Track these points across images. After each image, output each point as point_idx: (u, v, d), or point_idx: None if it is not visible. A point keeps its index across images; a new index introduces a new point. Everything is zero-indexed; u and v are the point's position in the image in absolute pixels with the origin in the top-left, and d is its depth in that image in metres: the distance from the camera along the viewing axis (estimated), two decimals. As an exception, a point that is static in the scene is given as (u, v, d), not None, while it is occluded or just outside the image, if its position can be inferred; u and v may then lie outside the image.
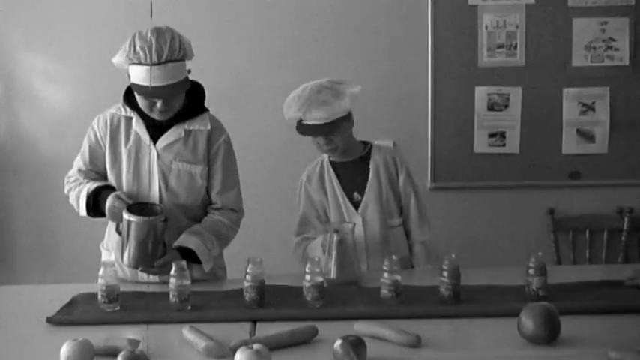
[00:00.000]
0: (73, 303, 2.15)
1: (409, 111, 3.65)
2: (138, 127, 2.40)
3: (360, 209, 2.63)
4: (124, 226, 2.23)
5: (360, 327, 1.85)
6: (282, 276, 2.31)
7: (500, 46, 3.61)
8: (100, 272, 2.07)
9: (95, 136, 2.44)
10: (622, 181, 3.66)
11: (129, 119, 2.41)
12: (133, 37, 2.27)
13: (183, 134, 2.40)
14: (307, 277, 2.07)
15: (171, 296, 2.06)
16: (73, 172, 2.49)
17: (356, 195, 2.66)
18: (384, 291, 2.08)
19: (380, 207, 2.63)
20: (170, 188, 2.38)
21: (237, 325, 1.95)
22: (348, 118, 2.61)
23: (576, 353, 1.72)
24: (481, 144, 3.65)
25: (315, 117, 2.53)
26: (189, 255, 2.30)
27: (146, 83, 2.24)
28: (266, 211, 3.56)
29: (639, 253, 3.69)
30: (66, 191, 2.48)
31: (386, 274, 2.08)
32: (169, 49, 2.24)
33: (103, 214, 2.35)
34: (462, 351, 1.78)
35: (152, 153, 2.38)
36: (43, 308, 2.09)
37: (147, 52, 2.22)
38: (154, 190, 2.37)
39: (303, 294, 2.07)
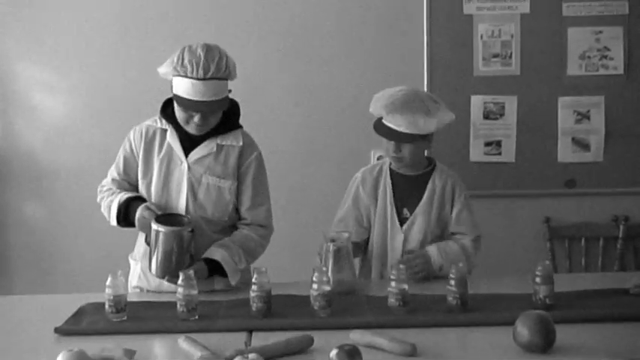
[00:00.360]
0: (80, 313, 2.14)
1: (405, 120, 3.65)
2: (171, 139, 2.40)
3: (404, 226, 2.56)
4: (152, 236, 2.24)
5: (356, 336, 1.85)
6: (290, 284, 2.33)
7: (496, 55, 3.63)
8: (108, 282, 2.07)
9: (130, 146, 2.45)
10: (618, 189, 3.68)
11: (164, 131, 2.42)
12: (182, 50, 2.29)
13: (215, 149, 2.40)
14: (314, 285, 2.07)
15: (178, 306, 2.05)
16: (106, 181, 2.50)
17: (405, 211, 2.58)
18: (392, 300, 2.08)
19: (424, 229, 2.55)
20: (198, 201, 2.38)
21: (232, 335, 1.95)
22: (426, 138, 2.53)
23: (572, 362, 1.73)
24: (477, 152, 3.67)
25: (396, 122, 2.46)
26: (216, 267, 2.31)
27: (188, 96, 2.26)
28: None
29: (635, 260, 3.70)
30: (98, 200, 2.49)
31: (393, 284, 2.08)
32: (216, 66, 2.26)
33: (132, 225, 2.35)
34: (456, 360, 1.78)
35: (183, 165, 2.38)
36: (50, 318, 2.08)
37: (194, 66, 2.24)
38: (182, 202, 2.37)
39: (311, 303, 2.07)
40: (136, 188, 2.45)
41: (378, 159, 3.66)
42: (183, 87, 2.26)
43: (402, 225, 2.56)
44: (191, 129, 2.36)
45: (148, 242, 2.31)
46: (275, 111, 3.67)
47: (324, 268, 2.10)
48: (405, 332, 1.91)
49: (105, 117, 3.62)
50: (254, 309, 2.07)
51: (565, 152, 3.67)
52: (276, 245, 2.58)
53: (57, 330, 1.99)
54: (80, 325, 2.04)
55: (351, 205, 2.63)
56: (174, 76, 2.29)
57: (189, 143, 2.40)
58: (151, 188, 2.40)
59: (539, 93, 3.63)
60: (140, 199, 2.38)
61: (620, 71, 3.62)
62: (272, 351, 1.76)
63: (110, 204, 2.41)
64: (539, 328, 1.76)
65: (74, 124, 3.66)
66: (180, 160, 2.39)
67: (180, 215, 2.33)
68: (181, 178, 2.38)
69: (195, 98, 2.25)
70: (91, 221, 3.74)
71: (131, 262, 2.55)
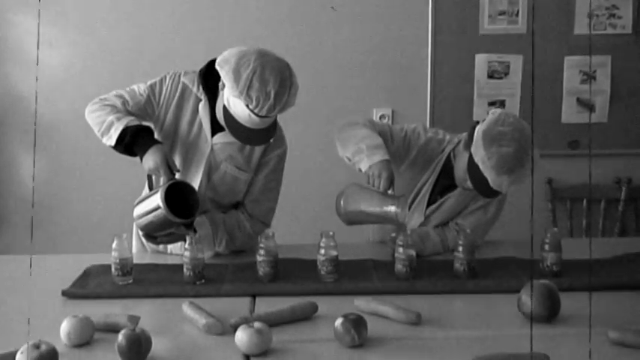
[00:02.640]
0: (86, 275, 2.13)
1: (409, 79, 3.61)
2: (203, 113, 2.24)
3: (428, 210, 2.40)
4: (152, 199, 2.13)
5: (361, 304, 1.85)
6: (296, 247, 2.31)
7: (502, 13, 3.55)
8: (114, 245, 2.05)
9: (160, 90, 2.28)
10: (621, 150, 3.65)
11: (197, 99, 2.26)
12: (253, 73, 2.05)
13: None
14: (322, 251, 2.05)
15: (185, 270, 2.04)
16: (110, 97, 2.27)
17: (438, 197, 2.40)
18: (399, 266, 2.07)
19: (444, 220, 2.40)
20: (211, 183, 2.30)
21: (237, 300, 1.95)
22: None
23: (576, 332, 1.72)
24: (480, 112, 3.62)
25: (500, 185, 2.15)
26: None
27: (244, 122, 2.09)
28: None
29: (637, 222, 3.70)
30: (88, 110, 2.26)
31: (400, 249, 2.06)
32: (283, 106, 2.09)
33: (130, 153, 2.19)
34: (460, 329, 1.78)
35: (207, 144, 2.27)
36: (55, 279, 2.08)
37: (261, 103, 2.05)
38: (197, 180, 2.27)
39: (318, 268, 2.06)
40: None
41: (380, 118, 3.63)
42: (241, 112, 2.08)
43: (427, 207, 2.41)
44: None
45: (150, 186, 2.25)
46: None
47: (332, 234, 2.06)
48: (411, 299, 1.91)
49: (102, 71, 3.57)
50: (260, 273, 2.06)
51: (569, 113, 3.63)
52: (280, 207, 2.55)
53: (64, 293, 1.99)
54: (87, 288, 2.03)
55: (397, 136, 2.38)
56: (234, 96, 2.07)
57: (218, 122, 2.23)
58: (175, 150, 2.28)
59: (545, 52, 3.57)
60: (151, 133, 2.21)
61: (629, 30, 3.56)
62: (277, 318, 1.76)
63: (114, 122, 2.17)
64: (544, 299, 1.76)
65: (72, 77, 3.60)
66: (206, 137, 2.26)
67: (192, 194, 2.17)
68: (202, 157, 2.28)
69: (248, 125, 2.09)
70: (91, 177, 3.72)
71: None
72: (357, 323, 1.64)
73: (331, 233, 2.08)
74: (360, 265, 2.20)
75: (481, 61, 3.58)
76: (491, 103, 3.61)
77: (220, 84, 2.15)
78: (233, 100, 2.09)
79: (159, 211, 2.09)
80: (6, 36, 3.60)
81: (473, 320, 1.84)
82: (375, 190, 2.18)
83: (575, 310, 1.81)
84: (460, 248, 2.07)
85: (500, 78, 3.60)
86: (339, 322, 1.65)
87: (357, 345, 1.63)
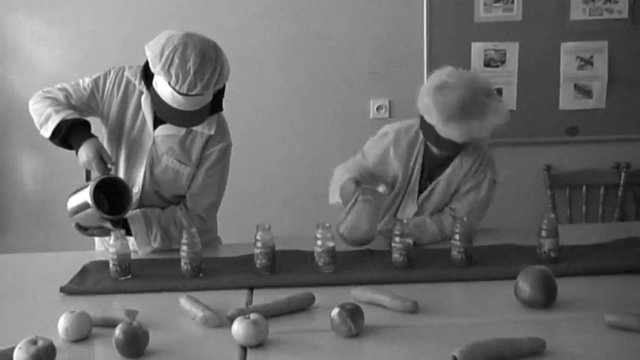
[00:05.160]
0: (84, 272, 2.14)
1: (405, 68, 3.60)
2: (145, 106, 2.26)
3: (420, 198, 2.39)
4: (83, 193, 2.12)
5: (358, 293, 1.85)
6: (291, 239, 2.31)
7: (497, 0, 3.54)
8: (111, 241, 2.05)
9: (104, 86, 2.29)
10: (619, 136, 3.65)
11: (140, 93, 2.27)
12: (174, 51, 2.07)
13: (183, 131, 2.27)
14: (318, 242, 2.05)
15: (182, 264, 2.04)
16: (54, 90, 2.29)
17: (428, 183, 2.39)
18: (396, 255, 2.07)
19: (439, 204, 2.39)
20: (154, 177, 2.30)
21: (234, 292, 1.95)
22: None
23: (573, 317, 1.72)
24: (478, 100, 3.62)
25: (452, 133, 2.18)
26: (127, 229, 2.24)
27: (169, 102, 2.11)
28: (268, 178, 3.56)
29: (636, 208, 3.70)
30: (34, 99, 2.28)
31: (397, 239, 2.06)
32: (204, 85, 2.08)
33: (67, 146, 2.20)
34: (457, 316, 1.78)
35: (149, 137, 2.28)
36: (53, 277, 2.09)
37: (180, 80, 2.06)
38: (139, 173, 2.29)
39: (315, 259, 2.07)
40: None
41: (377, 109, 3.62)
42: (165, 91, 2.11)
43: (419, 195, 2.41)
44: None
45: (88, 178, 2.22)
46: (272, 62, 3.61)
47: (328, 225, 2.06)
48: (408, 288, 1.92)
49: (100, 69, 3.55)
50: (258, 265, 2.06)
51: (567, 99, 3.62)
52: (277, 199, 2.56)
53: (62, 289, 1.99)
54: (85, 284, 2.03)
55: (376, 162, 2.41)
56: (156, 73, 2.11)
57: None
58: (120, 144, 2.29)
59: (542, 39, 3.56)
60: (87, 127, 2.20)
61: (625, 15, 3.55)
62: (274, 310, 1.76)
63: (52, 113, 2.18)
64: (540, 284, 1.76)
65: (69, 76, 3.56)
66: (149, 131, 2.27)
67: (125, 191, 2.16)
68: (144, 150, 2.28)
69: (175, 106, 2.11)
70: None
71: None
72: (353, 313, 1.64)
73: (327, 224, 2.07)
74: (358, 256, 2.20)
75: (477, 49, 3.58)
76: (489, 92, 3.61)
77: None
78: (158, 79, 2.12)
79: (88, 207, 2.10)
80: (4, 35, 3.60)
81: (470, 307, 1.84)
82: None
83: (570, 295, 1.81)
84: (457, 236, 2.07)
85: (497, 66, 3.59)
86: (335, 312, 1.65)
87: (353, 335, 1.64)
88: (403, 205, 2.42)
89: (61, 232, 3.59)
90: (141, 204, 2.32)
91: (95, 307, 1.78)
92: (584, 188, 3.66)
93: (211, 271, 2.09)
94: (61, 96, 2.27)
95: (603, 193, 3.66)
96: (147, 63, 2.18)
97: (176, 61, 2.06)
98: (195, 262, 2.04)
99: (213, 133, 2.29)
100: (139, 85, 2.26)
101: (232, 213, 2.80)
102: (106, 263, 2.10)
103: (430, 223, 2.35)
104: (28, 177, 3.69)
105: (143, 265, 2.17)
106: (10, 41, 3.60)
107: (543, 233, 2.08)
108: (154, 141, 2.28)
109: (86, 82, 2.31)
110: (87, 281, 2.06)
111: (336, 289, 1.94)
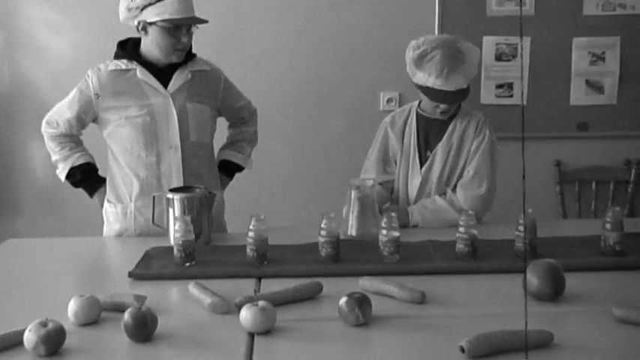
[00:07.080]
0: (147, 257, 2.14)
1: (416, 61, 3.58)
2: (144, 75, 2.42)
3: (423, 168, 2.54)
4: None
5: (365, 283, 1.86)
6: (289, 228, 2.34)
7: (510, -5, 3.53)
8: (176, 227, 2.05)
9: (91, 90, 2.43)
10: (630, 132, 3.63)
11: (128, 71, 2.43)
12: None
13: (190, 75, 2.45)
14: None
15: (248, 251, 2.04)
16: (60, 119, 2.50)
17: (428, 153, 2.55)
18: (460, 246, 2.05)
19: (442, 170, 2.52)
20: (187, 127, 2.43)
21: (242, 280, 1.96)
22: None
23: (580, 310, 1.72)
24: (488, 95, 3.61)
25: (455, 84, 2.42)
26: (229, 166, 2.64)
27: (178, 15, 2.31)
28: (274, 163, 3.56)
29: (645, 204, 3.69)
30: (45, 133, 2.54)
31: (462, 229, 2.05)
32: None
33: (80, 187, 2.56)
34: (465, 307, 1.78)
35: (166, 96, 2.42)
36: (64, 261, 2.19)
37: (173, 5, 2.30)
38: (174, 132, 2.42)
39: (380, 248, 2.06)
40: (79, 141, 2.57)
41: (387, 101, 3.62)
42: (168, 8, 2.30)
43: (422, 167, 2.54)
44: (175, 57, 2.40)
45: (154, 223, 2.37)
46: (280, 53, 3.61)
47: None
48: (415, 279, 1.91)
49: (109, 56, 3.57)
50: (323, 254, 2.05)
51: (578, 95, 3.61)
52: (283, 191, 2.57)
53: (130, 274, 1.99)
54: (151, 269, 2.03)
55: (380, 151, 2.60)
56: (146, 6, 2.31)
57: (161, 77, 2.43)
58: (137, 121, 2.40)
59: (554, 34, 3.55)
60: (94, 171, 2.58)
61: (638, 11, 3.53)
62: (281, 298, 1.77)
63: (59, 162, 2.53)
64: (548, 277, 1.76)
65: (80, 63, 3.59)
66: (159, 93, 2.42)
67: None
68: (167, 109, 2.41)
69: (184, 15, 2.32)
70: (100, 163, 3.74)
71: (107, 205, 2.55)
72: (361, 302, 1.65)
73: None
74: (420, 247, 2.18)
75: (489, 43, 3.57)
76: (499, 86, 3.60)
77: (142, 36, 2.40)
78: (152, 11, 2.32)
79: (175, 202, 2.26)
80: (15, 24, 3.61)
81: (477, 300, 1.84)
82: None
83: (578, 288, 1.81)
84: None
85: (508, 60, 3.58)
86: (343, 300, 1.66)
87: (361, 323, 1.64)
88: (410, 179, 2.55)
89: (72, 218, 3.63)
90: (183, 161, 2.44)
91: (104, 292, 1.79)
92: (593, 184, 3.65)
93: (276, 259, 2.07)
94: (65, 130, 2.50)
95: (613, 189, 3.65)
96: (122, 46, 2.45)
97: None
98: (261, 250, 2.04)
99: (209, 67, 2.52)
100: (126, 65, 2.42)
101: (240, 205, 2.81)
102: (168, 249, 2.12)
103: (445, 206, 2.47)
104: (39, 163, 3.70)
105: (205, 251, 2.17)
106: (23, 29, 3.61)
107: (608, 226, 2.07)
108: (172, 98, 2.42)
109: (76, 97, 2.47)
110: (152, 267, 2.06)
111: (344, 279, 1.92)
